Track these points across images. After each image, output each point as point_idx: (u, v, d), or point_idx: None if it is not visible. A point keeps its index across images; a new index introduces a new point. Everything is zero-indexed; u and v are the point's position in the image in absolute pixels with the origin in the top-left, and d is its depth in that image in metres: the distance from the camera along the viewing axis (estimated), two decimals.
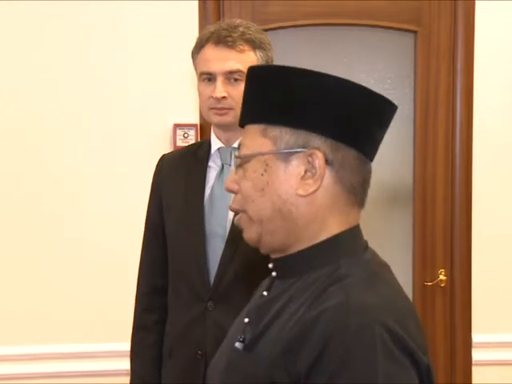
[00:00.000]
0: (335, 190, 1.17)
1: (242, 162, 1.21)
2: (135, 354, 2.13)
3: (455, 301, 3.06)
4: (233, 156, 1.98)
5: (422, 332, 1.15)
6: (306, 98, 1.16)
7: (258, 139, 1.19)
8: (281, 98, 1.17)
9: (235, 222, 1.27)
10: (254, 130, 1.21)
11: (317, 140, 1.16)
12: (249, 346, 1.18)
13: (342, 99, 1.16)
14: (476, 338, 3.06)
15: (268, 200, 1.18)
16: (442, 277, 3.06)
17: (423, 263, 3.08)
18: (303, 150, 1.16)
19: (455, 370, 3.05)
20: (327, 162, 1.15)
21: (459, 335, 3.06)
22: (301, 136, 1.16)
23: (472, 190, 3.04)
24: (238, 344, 1.20)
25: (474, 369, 3.07)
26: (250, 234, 1.23)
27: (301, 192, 1.16)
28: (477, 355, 3.06)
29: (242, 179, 1.21)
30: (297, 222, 1.17)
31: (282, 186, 1.17)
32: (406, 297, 1.20)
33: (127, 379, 2.17)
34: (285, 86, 1.17)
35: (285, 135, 1.17)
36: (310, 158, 1.15)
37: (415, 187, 3.08)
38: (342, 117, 1.16)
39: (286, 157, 1.16)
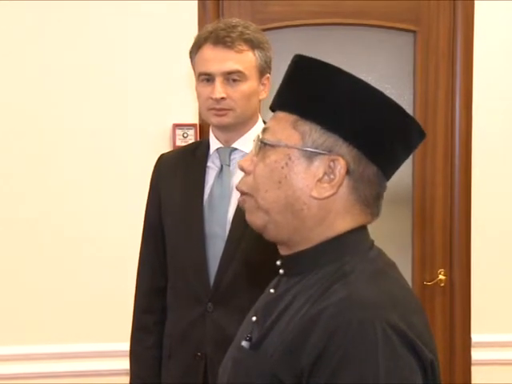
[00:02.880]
0: (349, 199, 1.17)
1: (265, 146, 1.19)
2: (135, 354, 2.13)
3: (454, 301, 3.06)
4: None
5: (428, 328, 1.15)
6: (346, 103, 1.15)
7: (287, 129, 1.17)
8: (321, 96, 1.16)
9: (238, 202, 1.25)
10: (284, 118, 1.19)
11: (343, 147, 1.15)
12: (255, 345, 1.18)
13: (379, 115, 1.16)
14: (475, 337, 3.06)
15: (282, 193, 1.17)
16: (441, 277, 3.06)
17: (423, 263, 3.08)
18: (328, 153, 1.15)
19: (454, 370, 3.05)
20: (348, 171, 1.15)
21: (458, 335, 3.06)
22: (329, 139, 1.15)
23: (471, 190, 3.04)
24: (244, 343, 1.21)
25: (473, 368, 3.07)
26: (255, 220, 1.22)
27: (315, 194, 1.15)
28: (476, 355, 3.06)
29: (260, 164, 1.19)
30: (305, 221, 1.17)
31: (299, 184, 1.16)
32: (412, 293, 1.20)
33: (127, 379, 2.17)
34: (328, 85, 1.16)
35: (314, 133, 1.15)
36: (332, 164, 1.15)
37: (414, 187, 3.08)
38: (374, 132, 1.16)
39: (310, 155, 1.15)
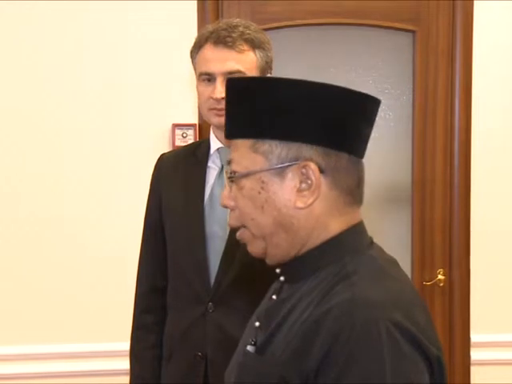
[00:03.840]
0: (332, 195, 1.17)
1: (236, 178, 1.20)
2: (135, 354, 2.13)
3: (454, 300, 3.07)
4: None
5: (432, 325, 1.15)
6: (293, 108, 1.15)
7: (248, 155, 1.18)
8: (267, 111, 1.16)
9: (237, 237, 1.26)
10: (243, 145, 1.19)
11: (308, 150, 1.15)
12: (260, 349, 1.18)
13: (328, 105, 1.15)
14: (475, 337, 3.07)
15: (269, 216, 1.17)
16: (440, 276, 3.06)
17: (422, 263, 3.09)
18: (296, 162, 1.15)
19: (454, 370, 3.05)
20: (321, 171, 1.15)
21: (458, 335, 3.06)
22: (292, 148, 1.15)
23: (471, 190, 3.04)
24: (249, 347, 1.21)
25: (472, 368, 3.07)
26: (254, 249, 1.23)
27: (299, 205, 1.16)
28: (475, 355, 3.07)
29: (238, 196, 1.20)
30: (299, 232, 1.18)
31: (281, 201, 1.16)
32: (414, 291, 1.20)
33: (127, 379, 2.17)
34: (267, 98, 1.16)
35: (275, 149, 1.15)
36: (303, 170, 1.15)
37: (414, 187, 3.08)
38: (329, 122, 1.16)
39: (280, 171, 1.16)
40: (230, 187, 1.22)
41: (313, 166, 1.14)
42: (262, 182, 1.17)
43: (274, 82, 1.17)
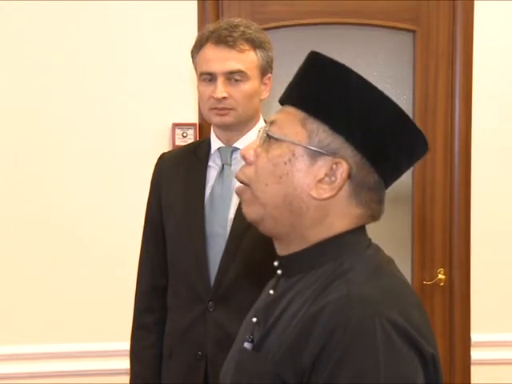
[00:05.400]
0: (349, 202, 1.17)
1: (271, 139, 1.18)
2: (135, 354, 2.13)
3: (454, 300, 3.06)
4: (235, 154, 1.97)
5: (428, 323, 1.15)
6: (358, 107, 1.14)
7: (294, 125, 1.17)
8: (333, 96, 1.15)
9: (235, 190, 1.24)
10: (293, 113, 1.18)
11: (348, 151, 1.14)
12: (257, 346, 1.18)
13: (389, 123, 1.15)
14: (475, 337, 3.06)
15: (282, 189, 1.16)
16: (440, 276, 3.06)
17: (422, 262, 3.08)
18: (333, 155, 1.14)
19: (454, 369, 3.05)
20: (349, 175, 1.14)
21: (458, 334, 3.06)
22: (336, 140, 1.14)
23: (471, 189, 3.04)
24: (246, 344, 1.20)
25: (472, 368, 3.07)
26: (251, 213, 1.21)
27: (314, 194, 1.15)
28: (476, 354, 3.06)
29: (262, 155, 1.18)
30: (303, 219, 1.17)
31: (300, 182, 1.15)
32: (411, 289, 1.20)
33: (127, 379, 2.17)
34: (342, 87, 1.15)
35: (322, 133, 1.15)
36: (334, 166, 1.14)
37: (414, 187, 3.08)
38: (382, 140, 1.15)
39: (314, 155, 1.15)
40: (260, 144, 1.20)
41: (345, 166, 1.14)
42: (293, 154, 1.15)
43: (352, 74, 1.16)
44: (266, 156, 1.18)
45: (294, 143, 1.16)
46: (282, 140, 1.17)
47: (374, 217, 1.21)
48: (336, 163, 1.14)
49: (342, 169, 1.14)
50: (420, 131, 1.19)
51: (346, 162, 1.14)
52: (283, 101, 1.23)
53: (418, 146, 1.20)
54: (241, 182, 1.22)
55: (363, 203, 1.17)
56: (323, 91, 1.16)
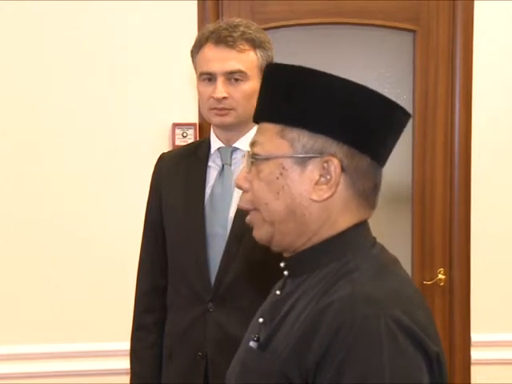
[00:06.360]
0: (347, 194, 1.18)
1: (257, 161, 1.19)
2: (135, 354, 2.13)
3: (454, 300, 3.07)
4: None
5: (433, 322, 1.15)
6: (327, 102, 1.15)
7: (274, 140, 1.18)
8: (301, 100, 1.16)
9: (247, 220, 1.25)
10: (270, 129, 1.19)
11: (333, 146, 1.15)
12: (263, 345, 1.19)
13: (361, 106, 1.16)
14: (475, 337, 3.07)
15: (282, 203, 1.17)
16: (441, 276, 3.06)
17: (422, 262, 3.08)
18: (320, 155, 1.15)
19: (454, 369, 3.05)
20: (342, 168, 1.15)
21: (458, 334, 3.06)
22: (318, 140, 1.15)
23: (471, 189, 3.04)
24: (252, 343, 1.21)
25: (472, 368, 3.07)
26: (260, 234, 1.23)
27: (315, 197, 1.16)
28: (476, 354, 3.07)
29: (255, 179, 1.20)
30: (309, 224, 1.18)
31: (297, 190, 1.17)
32: (415, 288, 1.20)
33: (127, 379, 2.17)
34: (305, 88, 1.16)
35: (302, 138, 1.16)
36: (325, 164, 1.15)
37: (414, 187, 3.08)
38: (360, 123, 1.16)
39: (302, 161, 1.16)
40: (249, 169, 1.21)
41: (336, 161, 1.15)
42: (283, 167, 1.17)
43: (311, 73, 1.17)
44: (258, 178, 1.19)
45: (279, 157, 1.17)
46: (268, 158, 1.18)
47: (371, 207, 1.22)
48: (326, 161, 1.15)
49: (334, 165, 1.15)
50: (393, 102, 1.19)
51: (335, 156, 1.15)
52: (256, 120, 1.24)
53: (396, 117, 1.21)
54: (246, 210, 1.24)
55: (360, 192, 1.18)
56: (290, 99, 1.17)
